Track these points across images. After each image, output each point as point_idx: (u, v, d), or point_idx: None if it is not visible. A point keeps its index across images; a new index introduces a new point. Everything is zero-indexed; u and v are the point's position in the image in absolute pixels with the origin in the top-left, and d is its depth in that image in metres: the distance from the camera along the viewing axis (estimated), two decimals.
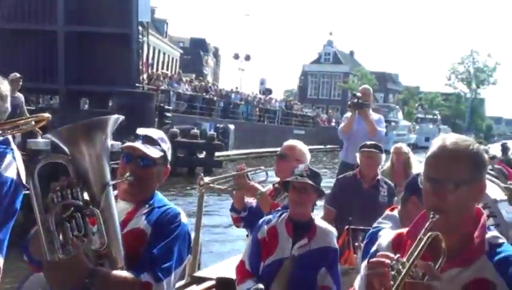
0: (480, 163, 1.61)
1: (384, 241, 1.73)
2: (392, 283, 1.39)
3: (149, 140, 2.22)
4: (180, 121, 20.44)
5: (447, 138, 1.63)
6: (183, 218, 2.20)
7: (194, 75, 36.05)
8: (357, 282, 1.69)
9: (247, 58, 41.24)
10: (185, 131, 19.10)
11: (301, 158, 3.71)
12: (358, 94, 6.41)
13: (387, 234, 1.79)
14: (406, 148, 5.77)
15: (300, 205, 2.89)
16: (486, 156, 1.64)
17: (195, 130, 19.27)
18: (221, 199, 10.68)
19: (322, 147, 34.28)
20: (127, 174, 2.12)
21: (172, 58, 54.67)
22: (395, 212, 2.93)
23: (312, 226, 2.91)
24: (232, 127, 23.89)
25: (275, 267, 2.84)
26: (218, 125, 23.21)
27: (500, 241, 1.59)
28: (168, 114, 18.71)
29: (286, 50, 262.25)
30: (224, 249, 8.70)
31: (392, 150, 5.80)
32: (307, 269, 2.81)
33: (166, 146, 2.27)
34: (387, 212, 3.00)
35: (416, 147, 45.32)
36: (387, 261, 1.43)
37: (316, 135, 36.89)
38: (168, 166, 2.28)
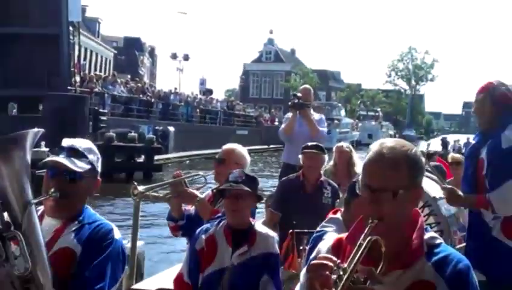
0: (418, 169, 1.62)
1: (323, 247, 1.74)
2: (333, 289, 1.40)
3: (75, 152, 2.13)
4: (117, 125, 20.11)
5: (385, 143, 1.63)
6: (116, 234, 2.14)
7: (129, 76, 35.51)
8: (297, 289, 1.70)
9: (186, 58, 40.98)
10: (122, 135, 18.83)
11: (240, 161, 3.68)
12: (299, 94, 6.44)
13: (326, 239, 1.81)
14: (348, 147, 5.86)
15: (236, 212, 2.84)
16: (423, 160, 1.66)
17: (133, 134, 19.03)
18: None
19: (266, 147, 34.70)
20: (52, 190, 2.04)
21: (106, 59, 53.47)
22: (339, 215, 2.93)
23: (252, 232, 2.87)
24: (171, 129, 23.76)
25: (214, 277, 2.79)
26: (157, 127, 23.00)
27: (438, 241, 1.63)
28: (103, 117, 18.39)
29: (226, 49, 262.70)
30: (169, 258, 8.70)
31: (334, 149, 5.86)
32: (248, 277, 2.78)
33: (95, 157, 2.19)
34: (331, 215, 2.99)
35: (359, 144, 46.78)
36: (330, 263, 1.44)
37: (260, 135, 37.28)
38: (99, 178, 2.21)
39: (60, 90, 16.21)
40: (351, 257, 1.45)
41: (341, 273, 1.41)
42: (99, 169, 2.20)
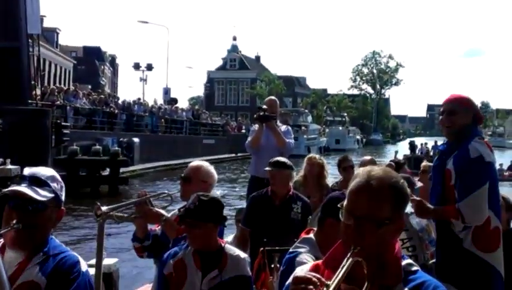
0: (404, 200, 1.66)
1: (300, 273, 1.71)
2: None
3: (36, 181, 2.07)
4: (80, 138, 19.85)
5: (372, 172, 1.65)
6: (83, 266, 2.09)
7: (89, 87, 35.14)
8: None
9: (149, 67, 40.78)
10: (86, 148, 18.65)
11: (207, 179, 3.66)
12: (264, 106, 6.45)
13: (303, 265, 1.84)
14: (320, 159, 5.91)
15: (194, 239, 2.77)
16: (408, 191, 1.70)
17: (97, 147, 18.85)
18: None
19: (234, 155, 34.82)
20: (14, 221, 1.98)
21: (65, 70, 52.79)
22: (311, 235, 2.91)
23: (222, 255, 2.79)
24: (136, 140, 23.60)
25: None
26: (121, 139, 22.82)
27: (414, 268, 1.67)
28: (66, 131, 18.16)
29: (188, 57, 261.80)
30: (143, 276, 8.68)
31: (305, 160, 5.90)
32: None
33: (58, 186, 2.13)
34: (303, 235, 2.96)
35: (328, 150, 47.45)
36: (314, 279, 1.46)
37: (227, 144, 37.37)
38: (63, 207, 2.16)
39: (20, 104, 15.92)
40: (334, 275, 1.47)
41: (324, 289, 1.43)
42: (63, 198, 2.15)
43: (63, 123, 18.70)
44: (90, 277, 2.14)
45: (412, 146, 34.43)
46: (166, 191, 3.94)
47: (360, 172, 1.68)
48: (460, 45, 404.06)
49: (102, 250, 3.87)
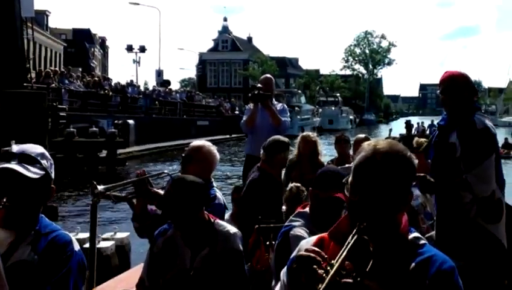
0: (411, 173, 1.62)
1: (305, 246, 1.71)
2: (320, 284, 1.41)
3: (26, 158, 2.02)
4: (75, 120, 20.04)
5: (378, 145, 1.61)
6: (76, 245, 2.07)
7: (80, 69, 35.08)
8: (278, 288, 1.74)
9: (142, 49, 40.66)
10: (82, 130, 18.83)
11: (208, 159, 3.65)
12: (259, 85, 6.40)
13: (308, 239, 1.81)
14: (314, 137, 5.90)
15: (177, 225, 2.74)
16: (415, 163, 1.65)
17: (94, 129, 19.04)
18: None
19: (228, 136, 35.05)
20: (4, 199, 1.96)
21: (56, 53, 52.58)
22: (307, 209, 2.91)
23: (212, 231, 2.74)
24: (131, 122, 23.78)
25: (177, 281, 2.67)
26: (116, 121, 23.00)
27: (422, 242, 1.64)
28: (62, 113, 18.34)
29: (179, 38, 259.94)
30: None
31: (299, 138, 5.89)
32: (212, 278, 2.66)
33: (48, 163, 2.08)
34: (299, 209, 2.97)
35: (321, 130, 47.69)
36: (318, 257, 1.45)
37: (221, 125, 37.57)
38: (53, 185, 2.12)
39: (16, 87, 16.07)
40: (339, 254, 1.45)
41: (328, 268, 1.42)
42: (52, 175, 2.11)
43: (58, 106, 18.90)
44: (83, 256, 2.11)
45: (408, 125, 34.31)
46: (166, 171, 3.94)
47: (365, 146, 1.64)
48: (452, 23, 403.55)
49: (95, 228, 3.82)
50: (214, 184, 3.74)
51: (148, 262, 2.84)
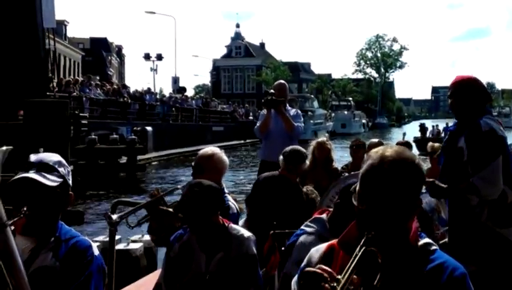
0: (419, 180, 1.58)
1: (315, 254, 1.71)
2: None
3: (44, 167, 2.06)
4: (96, 128, 20.40)
5: (386, 153, 1.57)
6: (95, 250, 2.11)
7: (98, 78, 35.58)
8: None
9: (159, 57, 41.12)
10: (103, 137, 19.14)
11: (220, 167, 3.58)
12: (271, 91, 6.36)
13: (318, 247, 1.76)
14: (328, 143, 5.91)
15: (195, 229, 2.75)
16: (424, 168, 1.66)
17: (115, 136, 19.34)
18: None
19: (243, 141, 35.26)
20: (24, 208, 1.98)
21: (74, 62, 53.36)
22: (324, 216, 2.85)
23: (226, 235, 2.75)
24: (149, 129, 24.08)
25: (193, 285, 2.68)
26: (135, 128, 23.31)
27: (433, 248, 1.60)
28: (84, 121, 18.67)
29: (193, 45, 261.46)
30: None
31: (314, 144, 5.87)
32: (227, 282, 2.67)
33: (66, 170, 2.12)
34: (316, 215, 2.92)
35: (334, 134, 47.77)
36: (324, 274, 1.41)
37: (235, 130, 37.80)
38: (71, 192, 2.16)
39: (40, 97, 16.43)
40: (346, 268, 1.42)
41: (335, 284, 1.39)
42: (70, 182, 2.14)
43: (80, 114, 19.24)
44: (102, 260, 2.15)
45: (423, 128, 33.70)
46: (178, 187, 3.87)
47: (372, 154, 1.60)
48: (462, 25, 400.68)
49: (113, 254, 3.78)
50: (226, 190, 3.66)
51: (165, 267, 2.85)
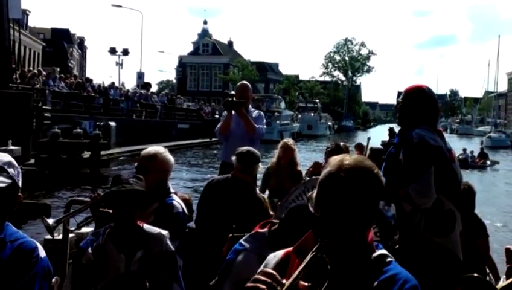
0: (377, 190, 1.60)
1: (271, 261, 1.74)
2: None
3: None
4: (58, 121, 20.40)
5: (344, 161, 1.60)
6: (41, 252, 2.09)
7: (58, 69, 35.36)
8: None
9: (125, 52, 41.05)
10: (65, 131, 19.18)
11: (164, 167, 3.56)
12: (232, 92, 6.38)
13: (276, 253, 1.79)
14: (293, 144, 6.06)
15: (121, 215, 2.74)
16: (383, 179, 1.63)
17: (78, 130, 19.45)
18: None
19: (208, 140, 35.59)
20: None
21: (34, 52, 52.63)
22: (265, 230, 2.81)
23: (143, 234, 2.77)
24: (113, 124, 24.16)
25: (114, 288, 2.68)
26: (98, 123, 23.36)
27: (388, 259, 1.62)
28: (47, 114, 18.76)
29: (158, 41, 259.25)
30: None
31: (279, 145, 6.08)
32: (148, 281, 2.68)
33: (15, 171, 2.10)
34: (257, 229, 2.86)
35: (300, 135, 48.60)
36: (268, 280, 1.44)
37: (201, 129, 38.08)
38: (20, 193, 2.14)
39: (2, 88, 16.52)
40: (293, 274, 1.45)
41: (278, 288, 1.41)
42: (20, 184, 2.12)
43: (43, 107, 19.33)
44: (48, 263, 2.12)
45: (392, 132, 34.57)
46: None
47: (331, 161, 1.63)
48: (429, 32, 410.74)
49: (66, 255, 3.86)
50: (172, 190, 3.68)
51: (73, 275, 2.79)
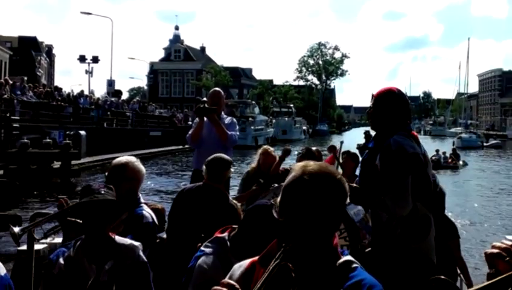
0: (340, 195, 1.61)
1: (237, 272, 1.73)
2: None
3: None
4: (27, 131, 20.16)
5: (308, 167, 1.61)
6: (1, 269, 2.08)
7: (26, 78, 34.90)
8: None
9: (95, 60, 40.63)
10: (35, 141, 18.95)
11: (135, 177, 3.55)
12: (204, 99, 6.39)
13: (241, 263, 1.77)
14: (273, 151, 6.13)
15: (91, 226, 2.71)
16: (347, 186, 1.65)
17: (48, 140, 19.21)
18: None
19: (181, 147, 35.48)
20: None
21: (1, 61, 51.83)
22: (225, 234, 2.82)
23: (114, 245, 2.76)
24: (83, 133, 23.92)
25: None
26: (68, 132, 23.11)
27: (354, 265, 1.62)
28: (16, 124, 18.49)
29: (129, 47, 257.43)
30: None
31: (260, 151, 6.16)
32: None
33: None
34: (217, 234, 2.87)
35: (275, 140, 48.80)
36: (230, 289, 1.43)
37: (174, 136, 37.94)
38: None
39: None
40: (258, 283, 1.45)
41: None
42: None
43: (11, 117, 19.04)
44: (9, 280, 2.11)
45: (368, 136, 34.85)
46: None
47: (295, 167, 1.66)
48: (401, 35, 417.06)
49: (32, 266, 3.66)
50: (142, 200, 3.68)
51: (45, 287, 2.76)
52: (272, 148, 6.28)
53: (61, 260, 2.73)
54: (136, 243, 2.83)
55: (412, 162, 3.17)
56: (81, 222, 3.23)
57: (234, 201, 4.54)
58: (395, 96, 3.39)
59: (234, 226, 2.90)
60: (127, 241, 2.82)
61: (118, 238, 2.80)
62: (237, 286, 1.46)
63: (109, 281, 2.65)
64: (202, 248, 2.84)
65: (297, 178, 1.60)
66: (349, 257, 1.65)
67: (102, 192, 2.71)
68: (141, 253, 2.81)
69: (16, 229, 3.23)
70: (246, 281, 1.56)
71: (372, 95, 3.64)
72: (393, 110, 3.34)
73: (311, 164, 1.63)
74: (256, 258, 1.74)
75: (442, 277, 1.67)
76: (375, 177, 3.23)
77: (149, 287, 2.81)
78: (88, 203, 2.67)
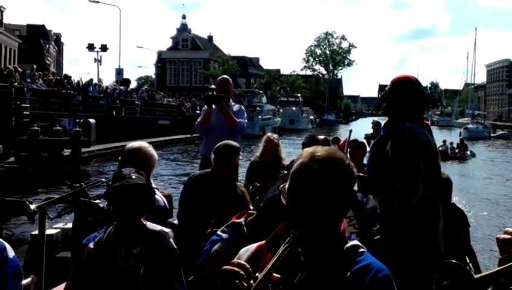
0: (348, 181, 1.62)
1: (244, 255, 1.74)
2: None
3: None
4: (37, 119, 20.29)
5: (316, 153, 1.61)
6: (9, 252, 2.07)
7: (35, 66, 35.08)
8: None
9: (104, 48, 40.65)
10: (46, 129, 19.09)
11: (147, 161, 3.56)
12: (212, 86, 6.39)
13: (248, 247, 1.79)
14: (276, 138, 6.17)
15: (123, 212, 2.71)
16: (355, 171, 1.65)
17: (58, 127, 19.35)
18: None
19: (189, 136, 35.57)
20: None
21: (10, 49, 52.01)
22: (242, 220, 2.81)
23: (145, 232, 2.76)
24: (92, 121, 24.05)
25: (111, 284, 2.66)
26: (77, 120, 23.25)
27: (361, 250, 1.63)
28: (26, 112, 18.61)
29: (137, 36, 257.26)
30: None
31: (263, 139, 6.19)
32: (148, 276, 2.67)
33: None
34: (234, 219, 2.85)
35: (282, 130, 48.78)
36: (241, 271, 1.43)
37: (182, 124, 38.04)
38: None
39: None
40: (266, 266, 1.45)
41: (251, 282, 1.41)
42: None
43: (22, 105, 19.17)
44: (18, 262, 2.11)
45: (377, 126, 34.41)
46: (103, 179, 3.89)
47: (303, 153, 1.65)
48: (408, 25, 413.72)
49: (44, 246, 3.86)
50: (154, 185, 3.72)
51: (76, 269, 2.79)
52: (275, 136, 6.28)
53: (91, 245, 2.74)
54: (167, 230, 2.83)
55: (424, 149, 3.18)
56: (93, 201, 3.38)
57: (242, 188, 4.59)
58: (413, 84, 3.39)
59: (251, 211, 2.91)
60: (157, 227, 2.81)
61: (149, 224, 2.80)
62: (247, 265, 1.47)
63: (137, 265, 2.65)
64: (219, 233, 2.83)
65: (306, 164, 1.59)
66: (356, 242, 1.66)
67: (133, 177, 2.70)
68: (171, 240, 2.80)
69: (32, 207, 3.31)
70: (253, 265, 1.54)
71: (381, 85, 3.62)
72: (408, 97, 3.34)
73: (320, 150, 1.63)
74: (263, 242, 1.75)
75: (454, 261, 1.68)
76: (385, 163, 3.22)
77: (178, 274, 2.78)
78: (120, 187, 2.66)
